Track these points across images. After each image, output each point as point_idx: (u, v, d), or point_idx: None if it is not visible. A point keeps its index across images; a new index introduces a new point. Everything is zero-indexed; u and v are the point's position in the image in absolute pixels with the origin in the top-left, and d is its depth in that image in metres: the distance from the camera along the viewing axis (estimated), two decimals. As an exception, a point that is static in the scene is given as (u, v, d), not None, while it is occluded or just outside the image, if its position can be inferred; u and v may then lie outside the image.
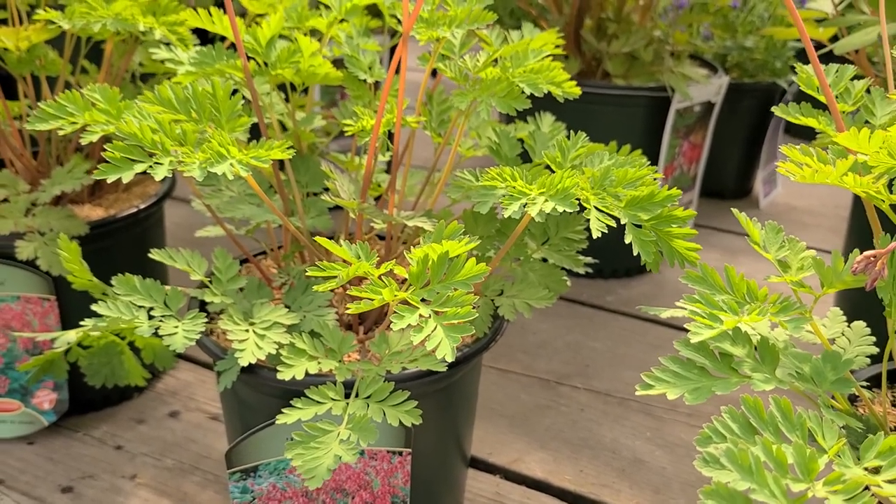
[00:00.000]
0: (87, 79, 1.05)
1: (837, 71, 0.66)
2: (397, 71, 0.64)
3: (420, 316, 0.48)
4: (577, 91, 0.66)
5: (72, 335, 0.71)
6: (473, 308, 0.49)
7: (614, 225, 0.52)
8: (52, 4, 0.95)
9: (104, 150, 0.56)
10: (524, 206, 0.52)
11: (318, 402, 0.57)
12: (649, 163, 0.72)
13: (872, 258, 0.43)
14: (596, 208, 0.52)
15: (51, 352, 0.77)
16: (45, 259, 0.84)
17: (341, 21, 0.78)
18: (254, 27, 0.71)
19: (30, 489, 0.89)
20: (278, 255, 0.79)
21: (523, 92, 0.64)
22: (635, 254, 0.52)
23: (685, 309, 0.46)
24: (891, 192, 0.48)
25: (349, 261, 0.54)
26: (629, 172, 0.55)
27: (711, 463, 0.36)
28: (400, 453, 0.70)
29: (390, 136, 0.69)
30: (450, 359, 0.48)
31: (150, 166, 0.54)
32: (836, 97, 0.65)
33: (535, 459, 0.97)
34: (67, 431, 0.98)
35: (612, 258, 1.31)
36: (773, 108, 0.62)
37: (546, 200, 0.51)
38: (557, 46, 0.73)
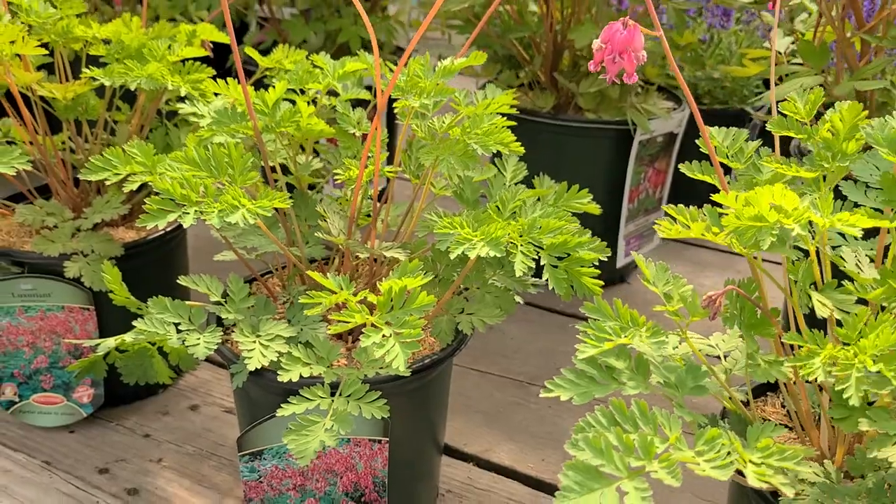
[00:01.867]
0: (121, 115, 1.21)
1: (734, 134, 0.81)
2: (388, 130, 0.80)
3: (383, 336, 0.64)
4: (521, 150, 0.81)
5: (111, 342, 0.87)
6: (434, 324, 0.64)
7: (532, 265, 0.68)
8: (92, 58, 1.11)
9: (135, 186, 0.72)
10: (467, 250, 0.67)
11: (309, 399, 0.73)
12: (590, 199, 0.88)
13: (713, 298, 0.59)
14: (522, 252, 0.68)
15: (94, 355, 0.93)
16: (88, 277, 1.01)
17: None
18: (261, 92, 0.87)
19: (72, 470, 1.06)
20: (283, 274, 0.95)
21: (477, 151, 0.79)
22: (552, 287, 0.68)
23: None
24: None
25: (333, 290, 0.70)
26: (552, 223, 0.70)
27: (575, 446, 0.52)
28: (379, 441, 0.86)
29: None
30: (402, 368, 0.64)
31: (180, 215, 0.70)
32: (731, 156, 0.80)
33: (504, 449, 1.13)
34: (103, 422, 1.15)
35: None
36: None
37: (483, 246, 0.67)
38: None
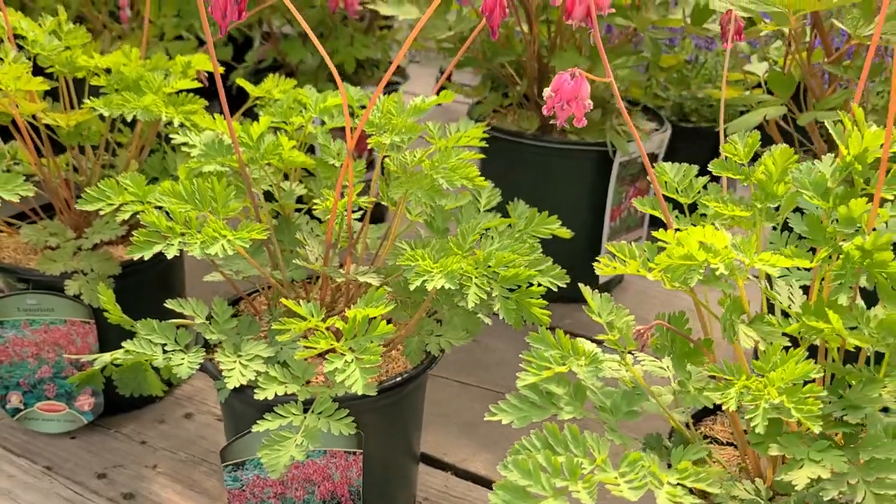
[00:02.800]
0: (123, 137, 1.27)
1: (684, 170, 0.86)
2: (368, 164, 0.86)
3: (345, 361, 0.70)
4: (486, 184, 0.87)
5: (107, 357, 0.93)
6: (406, 344, 0.70)
7: (484, 297, 0.74)
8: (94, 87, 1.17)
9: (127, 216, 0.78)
10: (426, 282, 0.73)
11: (283, 416, 0.79)
12: (560, 224, 0.94)
13: (641, 332, 0.65)
14: (476, 284, 0.74)
15: (91, 369, 0.99)
16: (87, 294, 1.07)
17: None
18: (247, 125, 0.93)
19: (72, 475, 1.13)
20: (269, 293, 1.02)
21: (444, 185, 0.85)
22: (502, 317, 0.74)
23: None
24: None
25: (304, 316, 0.76)
26: (506, 256, 0.76)
27: (506, 467, 0.58)
28: (354, 453, 0.92)
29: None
30: (360, 392, 0.70)
31: (164, 247, 0.77)
32: (680, 191, 0.86)
33: (480, 459, 1.19)
34: (102, 428, 1.22)
35: (573, 286, 1.52)
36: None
37: (441, 278, 0.73)
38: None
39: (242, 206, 0.86)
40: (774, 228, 0.82)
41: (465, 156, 0.92)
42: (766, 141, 1.32)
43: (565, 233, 1.03)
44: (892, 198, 0.69)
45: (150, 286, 1.17)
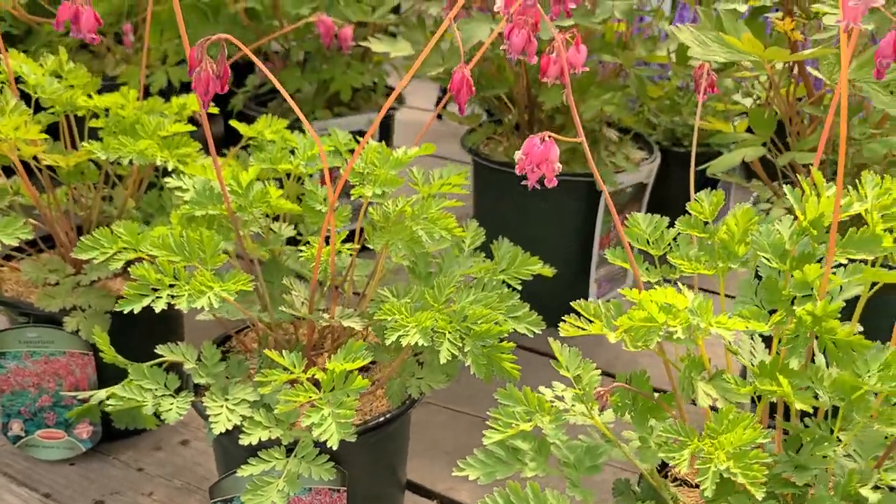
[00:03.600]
0: (123, 170, 1.31)
1: (655, 222, 0.89)
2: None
3: (321, 416, 0.74)
4: (464, 234, 0.91)
5: (102, 394, 0.97)
6: (388, 386, 0.73)
7: (456, 353, 0.78)
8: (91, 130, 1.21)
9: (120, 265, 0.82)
10: (400, 337, 0.77)
11: (266, 461, 0.83)
12: (541, 265, 0.97)
13: (601, 393, 0.68)
14: (448, 340, 0.77)
15: (87, 404, 1.03)
16: (85, 330, 1.11)
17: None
18: (237, 173, 0.97)
19: (70, 502, 1.17)
20: (259, 330, 1.05)
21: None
22: (473, 372, 0.77)
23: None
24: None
25: (287, 367, 0.79)
26: (479, 311, 0.80)
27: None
28: (338, 490, 0.95)
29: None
30: (335, 445, 0.73)
31: (153, 300, 0.80)
32: (651, 243, 0.89)
33: (465, 488, 1.22)
34: (101, 455, 1.26)
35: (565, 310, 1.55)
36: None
37: (415, 334, 0.77)
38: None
39: (233, 248, 0.90)
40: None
41: (447, 204, 0.95)
42: (751, 174, 1.35)
43: (547, 272, 1.06)
44: (845, 261, 0.72)
45: (148, 318, 1.20)
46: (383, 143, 1.01)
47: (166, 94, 1.83)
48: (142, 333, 1.12)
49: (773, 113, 1.23)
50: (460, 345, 0.78)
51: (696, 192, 0.88)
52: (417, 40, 1.49)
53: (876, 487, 0.69)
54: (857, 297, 0.77)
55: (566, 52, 0.89)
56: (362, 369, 1.05)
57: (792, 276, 0.72)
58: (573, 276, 1.55)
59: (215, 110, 1.15)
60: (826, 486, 0.67)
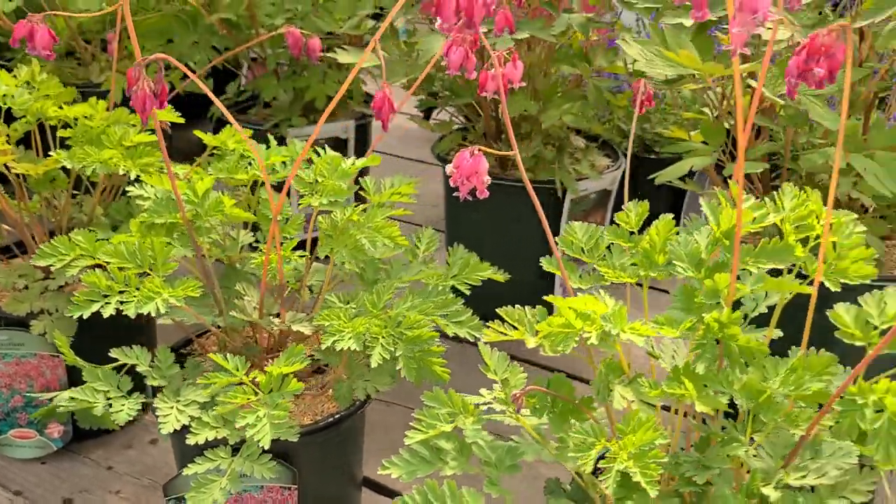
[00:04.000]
0: (96, 176, 1.35)
1: (591, 231, 0.93)
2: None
3: (256, 417, 0.78)
4: (406, 242, 0.94)
5: (66, 395, 1.01)
6: (336, 388, 0.76)
7: (388, 357, 0.81)
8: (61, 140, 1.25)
9: (76, 271, 0.86)
10: (336, 342, 0.81)
11: (212, 460, 0.86)
12: (492, 271, 1.01)
13: (517, 396, 0.71)
14: (381, 345, 0.81)
15: (51, 405, 1.07)
16: (52, 333, 1.15)
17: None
18: (193, 182, 1.01)
19: (41, 500, 1.21)
20: (217, 334, 1.09)
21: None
22: (404, 375, 0.81)
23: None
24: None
25: (229, 370, 0.83)
26: (414, 317, 0.83)
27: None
28: (289, 488, 0.99)
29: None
30: (266, 446, 0.77)
31: (102, 306, 0.84)
32: (586, 251, 0.92)
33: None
34: (72, 454, 1.30)
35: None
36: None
37: (350, 339, 0.80)
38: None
39: (192, 255, 0.93)
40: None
41: (397, 212, 0.99)
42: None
43: (499, 277, 1.10)
44: (755, 270, 0.76)
45: (120, 323, 1.24)
46: (334, 153, 1.05)
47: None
48: (114, 337, 1.15)
49: (721, 123, 1.27)
50: (392, 349, 0.82)
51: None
52: (390, 51, 1.52)
53: (787, 486, 0.73)
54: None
55: (504, 67, 0.93)
56: (317, 371, 1.09)
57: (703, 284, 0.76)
58: (541, 280, 1.58)
59: (181, 120, 1.19)
60: (730, 484, 0.71)
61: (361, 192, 1.06)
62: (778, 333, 0.86)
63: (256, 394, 0.82)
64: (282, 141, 1.83)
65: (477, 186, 0.83)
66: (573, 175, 1.49)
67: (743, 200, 0.82)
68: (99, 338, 1.05)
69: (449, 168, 0.82)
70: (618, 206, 1.65)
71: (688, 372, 0.71)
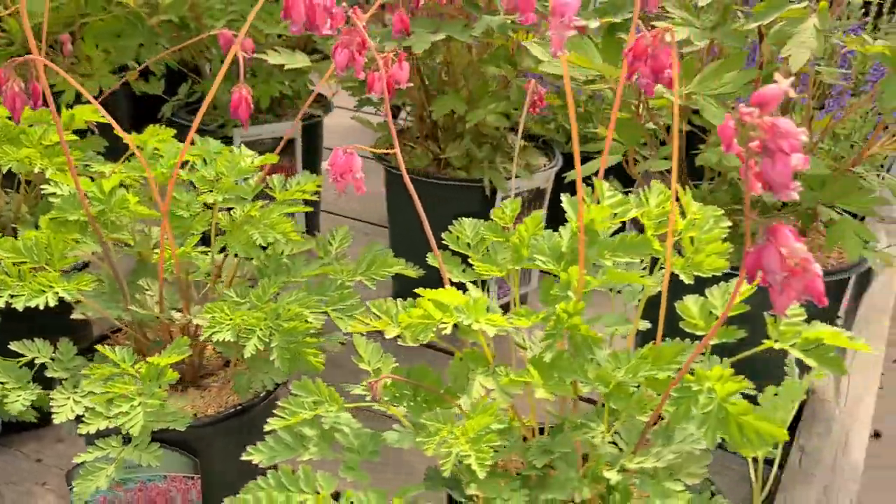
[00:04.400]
0: (29, 176, 1.38)
1: (476, 226, 0.96)
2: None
3: (131, 405, 0.81)
4: (299, 239, 0.97)
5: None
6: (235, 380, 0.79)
7: (262, 348, 0.84)
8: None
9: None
10: (214, 334, 0.84)
11: (102, 448, 0.89)
12: (402, 266, 1.03)
13: (372, 384, 0.74)
14: (258, 337, 0.84)
15: (-31, 397, 1.10)
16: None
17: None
18: (98, 181, 1.04)
19: (-32, 491, 1.24)
20: (129, 328, 1.12)
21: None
22: (278, 365, 0.84)
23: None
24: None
25: (116, 362, 0.86)
26: (293, 309, 0.86)
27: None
28: (192, 478, 1.02)
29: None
30: (135, 433, 0.80)
31: (-6, 299, 0.87)
32: (472, 246, 0.95)
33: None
34: (3, 448, 1.33)
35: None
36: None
37: (227, 331, 0.83)
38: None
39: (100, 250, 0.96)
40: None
41: (294, 209, 1.02)
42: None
43: (411, 272, 1.13)
44: (611, 264, 0.78)
45: (54, 322, 1.27)
46: (251, 152, 1.08)
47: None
48: (44, 334, 1.18)
49: (636, 122, 1.29)
50: (267, 340, 0.85)
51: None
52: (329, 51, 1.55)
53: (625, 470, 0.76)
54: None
55: (391, 68, 0.96)
56: (226, 364, 1.12)
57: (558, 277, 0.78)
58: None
59: (103, 119, 1.21)
60: (574, 467, 0.73)
61: (267, 190, 1.09)
62: (646, 325, 0.89)
63: (134, 384, 0.85)
64: (228, 141, 1.86)
65: (355, 184, 0.86)
66: (504, 174, 1.52)
67: (608, 197, 0.85)
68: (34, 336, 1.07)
69: (324, 166, 0.85)
70: (554, 204, 1.68)
71: (537, 361, 0.74)
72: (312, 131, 1.95)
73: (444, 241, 0.95)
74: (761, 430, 0.67)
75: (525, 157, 1.65)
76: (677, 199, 0.88)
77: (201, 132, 1.85)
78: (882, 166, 1.70)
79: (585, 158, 1.78)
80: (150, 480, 1.03)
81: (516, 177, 1.55)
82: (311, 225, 1.97)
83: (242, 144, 1.13)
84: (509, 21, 1.34)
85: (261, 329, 0.85)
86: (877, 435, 1.65)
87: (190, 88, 1.94)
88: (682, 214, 0.87)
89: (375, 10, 1.01)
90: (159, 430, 0.97)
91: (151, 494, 1.03)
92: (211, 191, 0.99)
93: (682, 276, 0.81)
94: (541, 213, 0.86)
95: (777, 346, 0.73)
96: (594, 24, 1.18)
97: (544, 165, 1.65)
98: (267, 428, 0.76)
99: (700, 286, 0.82)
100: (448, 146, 1.53)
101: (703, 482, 0.89)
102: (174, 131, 1.23)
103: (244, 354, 0.83)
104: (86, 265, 1.29)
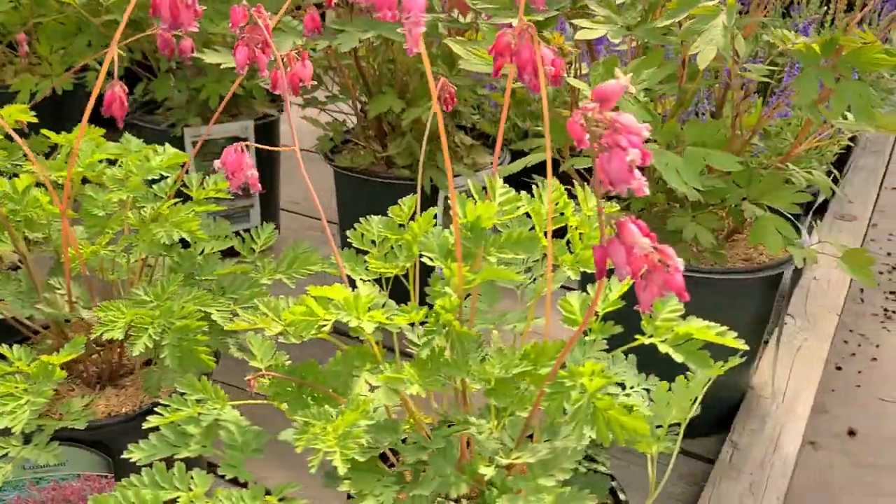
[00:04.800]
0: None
1: (386, 223, 0.96)
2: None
3: (17, 404, 0.81)
4: (204, 237, 0.97)
5: None
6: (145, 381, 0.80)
7: (150, 346, 0.84)
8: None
9: None
10: (105, 332, 0.84)
11: (2, 447, 0.89)
12: (321, 265, 1.03)
13: (249, 380, 0.74)
14: (149, 335, 0.84)
15: None
16: None
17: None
18: (13, 180, 1.04)
19: None
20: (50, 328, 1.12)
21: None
22: (168, 363, 0.84)
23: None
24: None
25: (12, 360, 0.86)
26: (187, 307, 0.86)
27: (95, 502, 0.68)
28: (106, 477, 1.02)
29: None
30: (17, 431, 0.80)
31: None
32: (378, 244, 0.95)
33: (276, 478, 1.28)
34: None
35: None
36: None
37: (118, 330, 0.83)
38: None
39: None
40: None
41: (206, 207, 1.02)
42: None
43: (334, 270, 1.13)
44: (494, 260, 0.78)
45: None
46: (175, 151, 1.08)
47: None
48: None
49: (562, 121, 1.29)
50: (158, 339, 0.85)
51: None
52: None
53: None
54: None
55: (294, 66, 0.96)
56: (146, 363, 1.12)
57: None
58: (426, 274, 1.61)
59: (34, 119, 1.22)
60: (451, 463, 0.73)
61: (183, 189, 1.09)
62: (540, 322, 0.89)
63: (24, 383, 0.85)
64: (180, 141, 1.86)
65: (250, 182, 0.85)
66: (445, 173, 1.52)
67: (500, 194, 0.85)
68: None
69: (217, 164, 0.85)
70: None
71: (418, 358, 0.74)
72: (266, 131, 1.95)
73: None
74: (626, 426, 0.67)
75: (472, 155, 1.65)
76: (574, 197, 0.89)
77: (152, 131, 1.86)
78: (832, 163, 1.70)
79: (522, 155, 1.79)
80: (63, 479, 1.03)
81: (457, 175, 1.55)
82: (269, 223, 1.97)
83: (167, 144, 1.12)
84: (440, 20, 1.34)
85: (152, 327, 0.85)
86: (851, 433, 1.65)
87: (144, 88, 1.94)
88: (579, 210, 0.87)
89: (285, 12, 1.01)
90: (71, 430, 0.97)
91: (66, 493, 1.03)
92: (119, 189, 0.99)
93: (569, 272, 0.81)
94: (434, 210, 0.86)
95: (648, 341, 0.73)
96: (515, 21, 1.18)
97: (490, 164, 1.65)
98: (146, 426, 0.76)
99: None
100: (390, 145, 1.53)
101: (600, 477, 0.90)
102: (103, 130, 1.24)
103: (133, 352, 0.83)
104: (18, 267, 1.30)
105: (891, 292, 2.25)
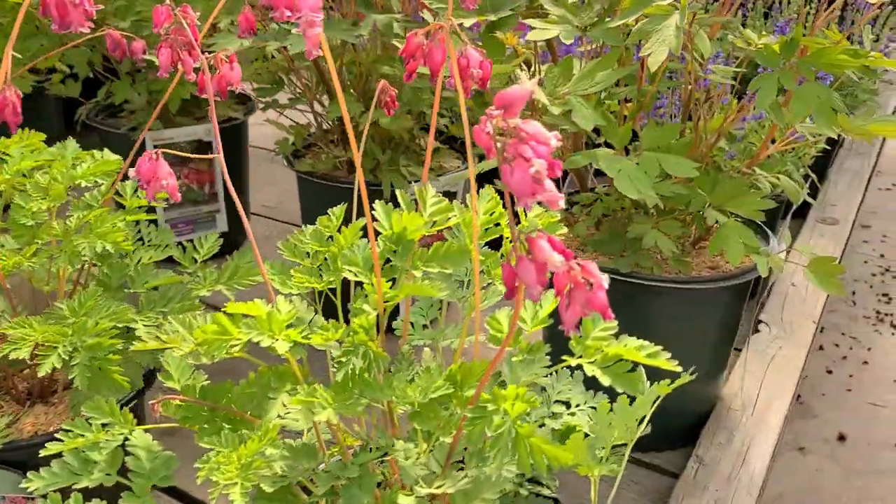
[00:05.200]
0: None
1: (319, 235, 0.91)
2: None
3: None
4: (129, 247, 0.92)
5: None
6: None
7: (60, 365, 0.80)
8: None
9: None
10: (13, 352, 0.79)
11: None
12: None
13: (152, 404, 0.70)
14: (59, 354, 0.79)
15: None
16: None
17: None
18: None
19: None
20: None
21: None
22: (77, 385, 0.79)
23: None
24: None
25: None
26: (102, 324, 0.82)
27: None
28: (32, 499, 0.97)
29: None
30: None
31: None
32: (311, 255, 0.90)
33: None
34: None
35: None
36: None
37: (26, 348, 0.79)
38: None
39: None
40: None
41: (138, 216, 0.97)
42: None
43: (278, 283, 1.08)
44: (419, 274, 0.74)
45: None
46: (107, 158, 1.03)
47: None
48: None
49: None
50: (68, 358, 0.80)
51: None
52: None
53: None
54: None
55: (223, 68, 0.91)
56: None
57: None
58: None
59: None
60: (369, 492, 0.69)
61: (117, 198, 1.04)
62: (470, 339, 0.84)
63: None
64: (141, 145, 1.82)
65: (168, 191, 0.81)
66: (408, 177, 1.47)
67: (431, 203, 0.80)
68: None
69: (132, 172, 0.81)
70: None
71: (335, 380, 0.70)
72: (234, 134, 1.90)
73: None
74: (547, 454, 0.63)
75: (438, 159, 1.61)
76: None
77: (113, 135, 1.82)
78: (810, 166, 1.65)
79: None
80: (-12, 501, 0.98)
81: (416, 181, 1.50)
82: (236, 230, 1.91)
83: (106, 149, 1.08)
84: (396, 19, 1.30)
85: (62, 346, 0.81)
86: (841, 438, 1.61)
87: (107, 91, 1.89)
88: (518, 221, 0.82)
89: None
90: (-4, 450, 0.93)
91: (-8, 516, 0.98)
92: (44, 198, 0.95)
93: (499, 286, 0.76)
94: (361, 223, 0.81)
95: (576, 363, 0.69)
96: (469, 22, 1.14)
97: (457, 168, 1.60)
98: (43, 452, 0.71)
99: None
100: (350, 149, 1.48)
101: (542, 501, 0.85)
102: (44, 136, 1.19)
103: (40, 372, 0.79)
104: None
105: (883, 294, 2.20)
